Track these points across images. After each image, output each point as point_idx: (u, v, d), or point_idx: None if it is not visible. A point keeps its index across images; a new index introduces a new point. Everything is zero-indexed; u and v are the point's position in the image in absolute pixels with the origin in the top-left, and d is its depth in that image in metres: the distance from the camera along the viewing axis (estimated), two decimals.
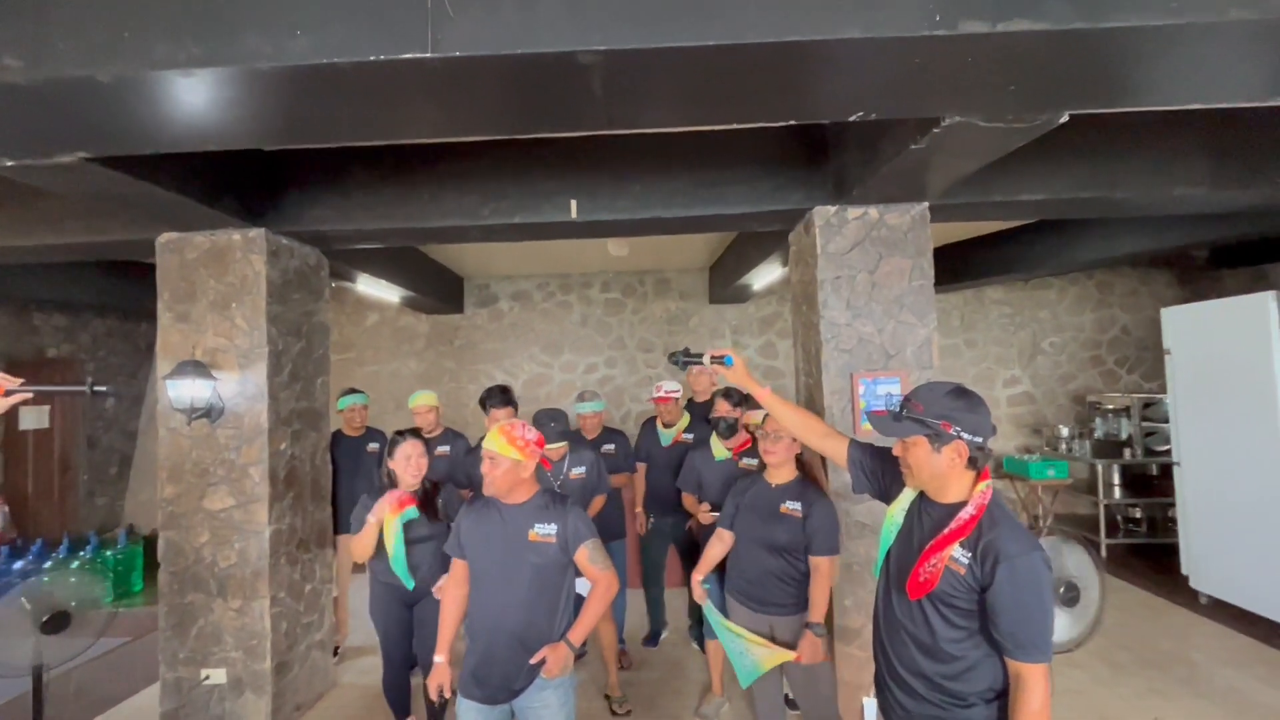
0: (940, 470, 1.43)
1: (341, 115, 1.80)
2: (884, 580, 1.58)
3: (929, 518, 1.47)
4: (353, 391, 3.95)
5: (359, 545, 2.54)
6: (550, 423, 2.90)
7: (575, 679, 2.04)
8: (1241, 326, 4.00)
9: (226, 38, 1.49)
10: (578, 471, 3.14)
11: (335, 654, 3.79)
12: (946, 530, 1.40)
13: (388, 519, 2.50)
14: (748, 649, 2.34)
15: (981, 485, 1.41)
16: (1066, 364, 6.45)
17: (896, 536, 1.55)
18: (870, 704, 1.77)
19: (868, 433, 2.90)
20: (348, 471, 3.80)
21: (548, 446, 2.93)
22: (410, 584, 2.56)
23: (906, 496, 1.56)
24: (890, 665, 1.54)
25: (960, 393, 1.44)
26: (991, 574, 1.32)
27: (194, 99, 1.63)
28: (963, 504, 1.41)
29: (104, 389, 1.92)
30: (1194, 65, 1.66)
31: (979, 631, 1.39)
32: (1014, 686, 1.33)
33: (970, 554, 1.36)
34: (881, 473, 1.67)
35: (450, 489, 2.70)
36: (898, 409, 1.50)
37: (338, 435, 3.86)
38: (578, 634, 1.96)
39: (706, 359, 1.95)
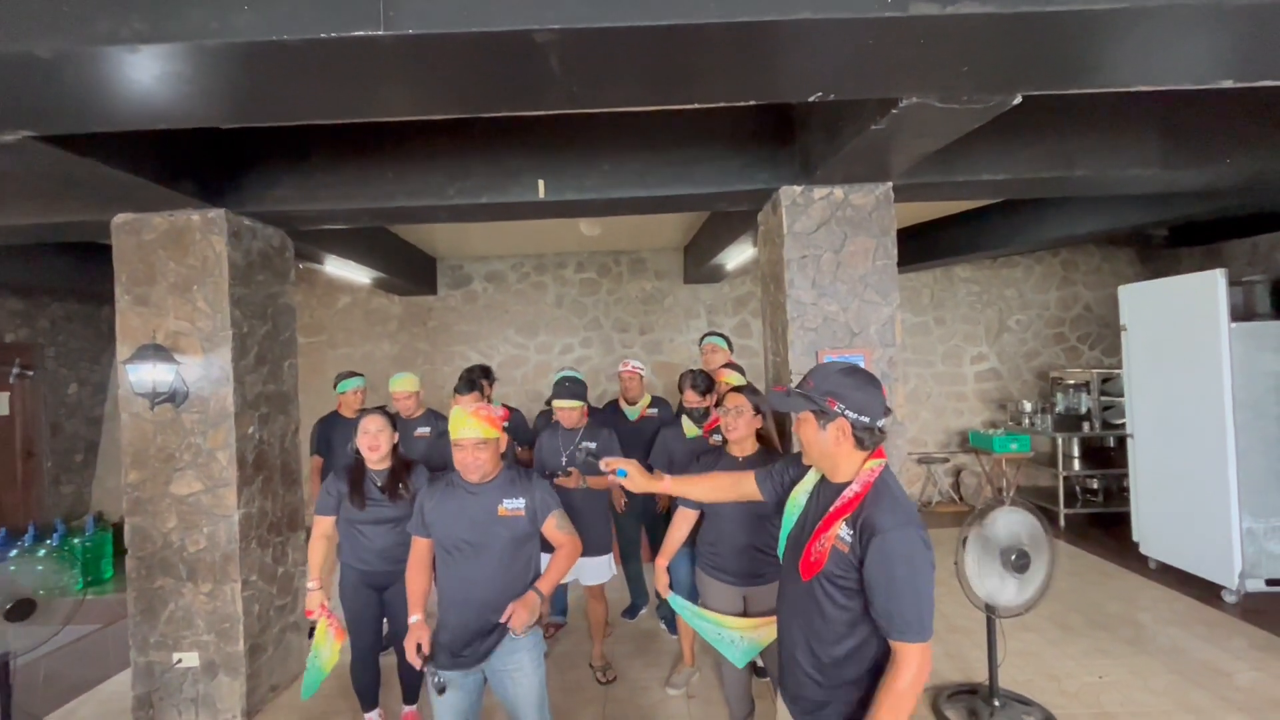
0: (827, 448, 1.44)
1: (295, 93, 1.76)
2: (787, 561, 1.57)
3: (823, 498, 1.48)
4: (352, 375, 3.90)
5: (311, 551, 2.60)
6: (566, 384, 3.13)
7: (544, 645, 2.10)
8: (1192, 303, 4.15)
9: (170, 12, 1.45)
10: (589, 445, 3.17)
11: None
12: (833, 508, 1.40)
13: (323, 628, 2.52)
14: (739, 637, 2.30)
15: (871, 463, 1.41)
16: (1031, 340, 6.62)
17: (797, 519, 1.56)
18: None
19: None
20: (344, 453, 3.78)
21: (559, 402, 3.12)
22: (308, 694, 2.57)
23: (810, 479, 1.57)
24: (788, 644, 1.54)
25: (851, 371, 1.45)
26: (865, 548, 1.32)
27: (139, 76, 1.59)
28: (850, 483, 1.42)
29: (30, 373, 1.89)
30: (1140, 48, 1.70)
31: (865, 613, 1.36)
32: (890, 662, 1.32)
33: (852, 530, 1.36)
34: (783, 475, 1.72)
35: (421, 470, 2.70)
36: (795, 387, 1.52)
37: (335, 417, 3.84)
38: (545, 584, 2.00)
39: (601, 464, 1.91)
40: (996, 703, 2.81)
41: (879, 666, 1.37)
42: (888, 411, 1.43)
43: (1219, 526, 3.96)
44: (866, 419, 1.40)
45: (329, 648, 2.52)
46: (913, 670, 1.28)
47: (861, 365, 1.49)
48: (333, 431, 3.76)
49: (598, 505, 3.21)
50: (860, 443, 1.42)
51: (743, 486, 1.83)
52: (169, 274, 3.02)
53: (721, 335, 3.80)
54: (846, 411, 1.40)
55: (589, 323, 6.57)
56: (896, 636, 1.29)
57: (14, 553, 4.32)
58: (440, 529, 2.02)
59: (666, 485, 1.89)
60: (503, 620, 1.91)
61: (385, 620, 2.78)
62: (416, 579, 2.09)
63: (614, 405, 3.94)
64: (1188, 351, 4.18)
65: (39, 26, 1.46)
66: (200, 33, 1.45)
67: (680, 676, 3.19)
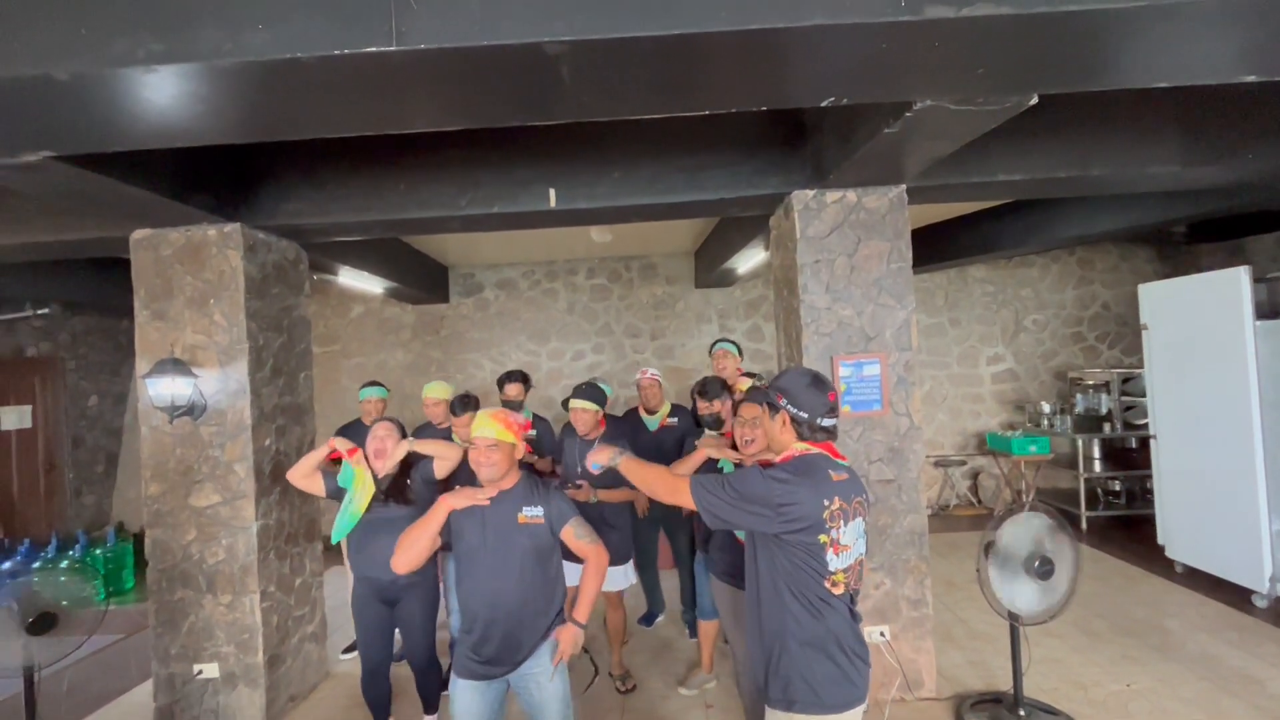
0: (775, 434, 1.73)
1: (308, 110, 1.78)
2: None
3: None
4: (373, 384, 3.94)
5: (301, 466, 2.57)
6: (584, 386, 3.16)
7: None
8: (1215, 301, 4.06)
9: (185, 33, 1.47)
10: None
11: (355, 650, 3.79)
12: None
13: (359, 471, 2.50)
14: None
15: (799, 445, 1.66)
16: (1049, 341, 6.53)
17: None
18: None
19: (847, 414, 2.96)
20: None
21: (573, 402, 3.12)
22: (338, 538, 2.57)
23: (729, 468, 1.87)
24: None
25: (803, 374, 1.71)
26: None
27: (155, 96, 1.61)
28: None
29: (44, 311, 1.93)
30: (1158, 46, 1.67)
31: (764, 558, 1.65)
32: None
33: None
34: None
35: (424, 466, 2.63)
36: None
37: (357, 425, 3.84)
38: (581, 611, 2.02)
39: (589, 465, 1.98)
40: (1022, 712, 2.76)
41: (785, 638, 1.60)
42: (831, 413, 1.67)
43: (1247, 529, 3.87)
44: (805, 415, 1.65)
45: (364, 490, 2.51)
46: (668, 480, 1.74)
47: (819, 375, 1.74)
48: (356, 440, 3.72)
49: (620, 513, 3.20)
50: (800, 434, 1.67)
51: (676, 491, 1.72)
52: (186, 288, 3.06)
53: (732, 341, 3.78)
54: (788, 406, 1.67)
55: (600, 329, 6.57)
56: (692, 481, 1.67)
57: (37, 565, 4.40)
58: (463, 535, 2.02)
59: (620, 462, 1.87)
60: (555, 661, 1.97)
61: (398, 633, 2.76)
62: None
63: (633, 413, 3.92)
64: (1211, 350, 4.10)
65: (57, 50, 1.48)
66: (215, 53, 1.47)
67: (696, 680, 3.18)
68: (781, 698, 1.61)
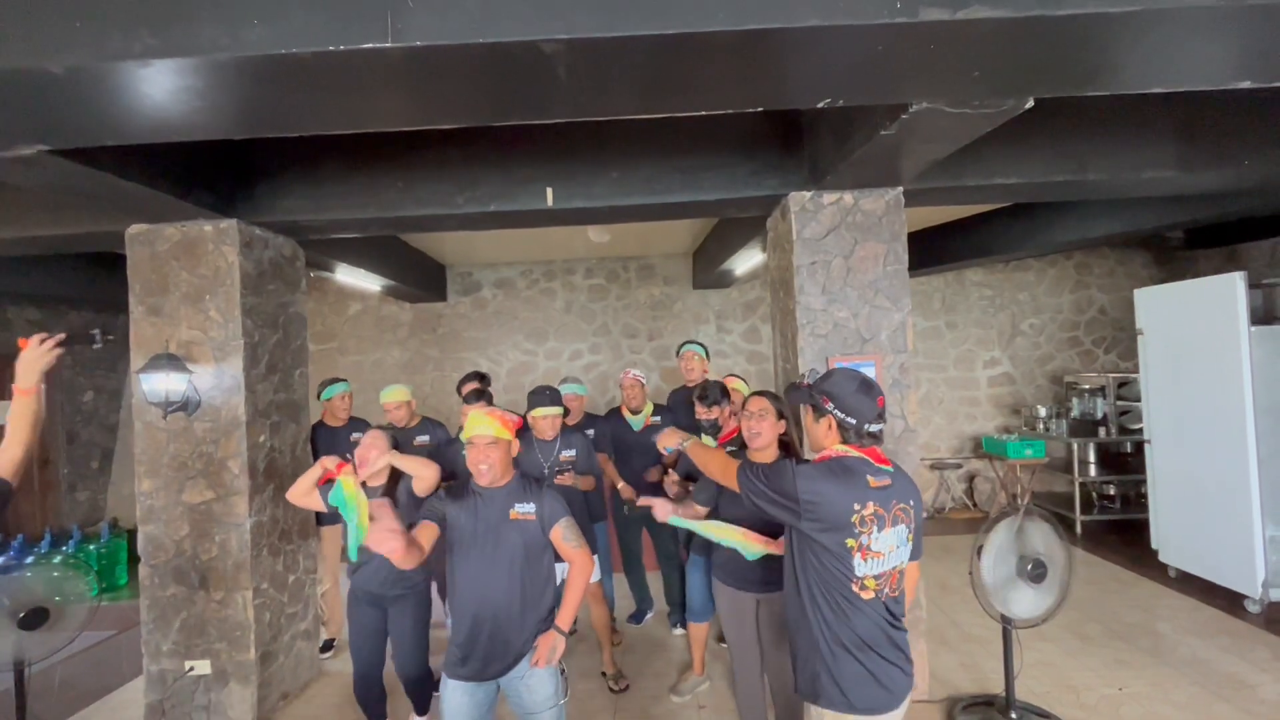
0: (818, 437, 1.70)
1: (305, 105, 1.78)
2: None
3: None
4: (335, 381, 3.87)
5: (298, 486, 2.48)
6: (546, 392, 3.05)
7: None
8: (1211, 306, 4.07)
9: (182, 28, 1.46)
10: (568, 454, 3.16)
11: (330, 649, 3.80)
12: None
13: (348, 485, 2.42)
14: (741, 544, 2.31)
15: (839, 446, 1.65)
16: (1045, 345, 6.54)
17: None
18: None
19: None
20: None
21: (540, 410, 3.01)
22: (353, 556, 2.48)
23: None
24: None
25: (851, 378, 1.66)
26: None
27: (151, 90, 1.60)
28: None
29: (111, 337, 2.07)
30: (1154, 50, 1.67)
31: (796, 560, 1.67)
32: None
33: None
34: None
35: (408, 480, 2.58)
36: (808, 382, 1.78)
37: (320, 425, 3.80)
38: (564, 618, 2.02)
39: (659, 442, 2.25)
40: (1014, 715, 2.76)
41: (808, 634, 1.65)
42: (881, 417, 1.63)
43: (1240, 534, 3.88)
44: (853, 421, 1.62)
45: (360, 504, 2.43)
46: (724, 464, 1.83)
47: (870, 375, 1.72)
48: (318, 440, 3.70)
49: (577, 508, 3.15)
50: (846, 439, 1.64)
51: (728, 474, 1.85)
52: (182, 284, 3.05)
53: (699, 343, 3.79)
54: (835, 411, 1.63)
55: (598, 329, 6.56)
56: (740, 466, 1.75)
57: (30, 560, 4.38)
58: (456, 530, 2.01)
59: (688, 446, 2.14)
60: (532, 665, 1.96)
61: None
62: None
63: (616, 413, 3.92)
64: (1207, 355, 4.11)
65: (53, 43, 1.48)
66: (211, 47, 1.47)
67: (687, 685, 3.16)
68: (809, 690, 1.66)
